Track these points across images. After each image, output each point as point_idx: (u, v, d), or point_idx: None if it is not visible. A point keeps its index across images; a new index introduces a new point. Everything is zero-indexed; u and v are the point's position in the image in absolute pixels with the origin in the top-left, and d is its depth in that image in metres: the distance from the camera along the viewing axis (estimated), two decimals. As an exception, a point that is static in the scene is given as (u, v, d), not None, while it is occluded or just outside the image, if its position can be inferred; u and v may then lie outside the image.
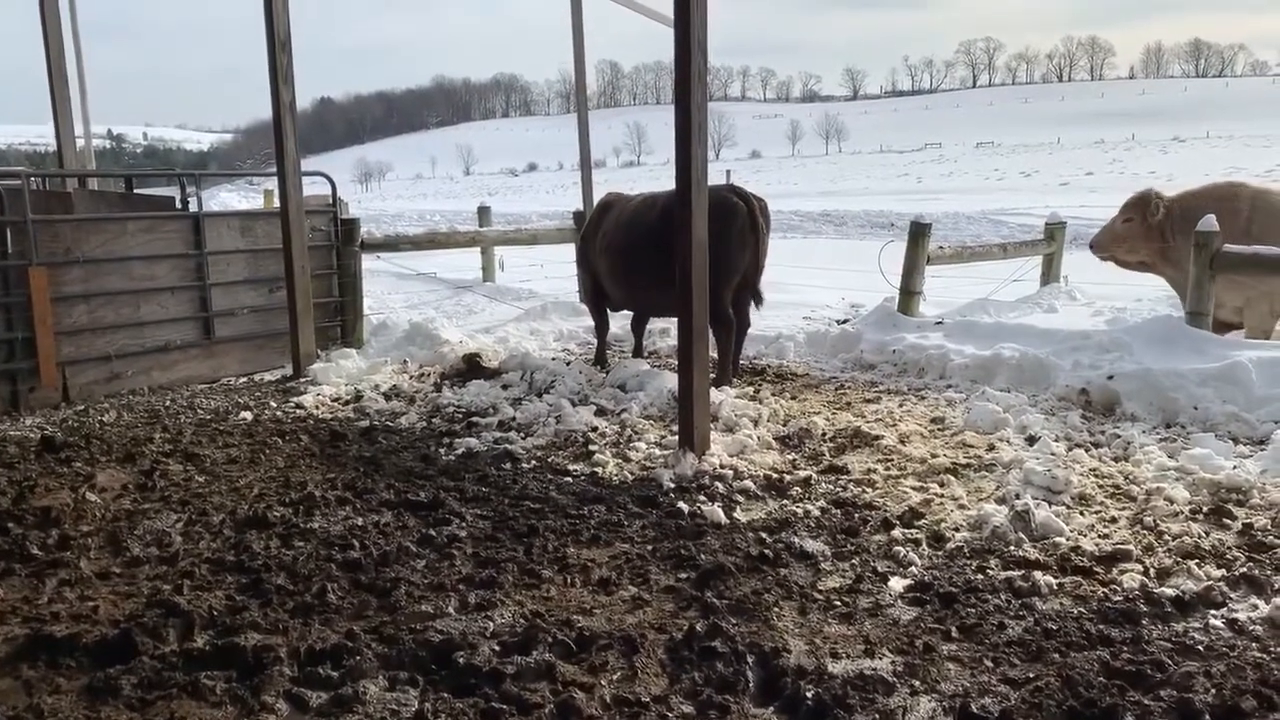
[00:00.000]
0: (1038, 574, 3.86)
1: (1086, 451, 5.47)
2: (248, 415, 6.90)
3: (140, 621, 3.52)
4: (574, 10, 11.50)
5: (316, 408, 7.16)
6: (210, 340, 8.36)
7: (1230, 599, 3.62)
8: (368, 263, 10.36)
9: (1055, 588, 3.76)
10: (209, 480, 5.38)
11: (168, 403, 7.40)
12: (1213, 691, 2.96)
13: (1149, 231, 7.87)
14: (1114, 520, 4.47)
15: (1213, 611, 3.54)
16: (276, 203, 8.65)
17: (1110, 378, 6.48)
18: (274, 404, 7.30)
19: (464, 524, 4.58)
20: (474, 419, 6.63)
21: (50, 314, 7.22)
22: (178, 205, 8.90)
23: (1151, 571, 3.89)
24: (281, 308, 8.50)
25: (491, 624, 3.50)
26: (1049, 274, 11.16)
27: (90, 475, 5.41)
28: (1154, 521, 4.38)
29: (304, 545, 4.34)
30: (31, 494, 5.09)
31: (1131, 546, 4.11)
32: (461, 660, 3.20)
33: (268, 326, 8.71)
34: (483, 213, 14.40)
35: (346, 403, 7.33)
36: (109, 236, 7.69)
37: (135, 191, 10.21)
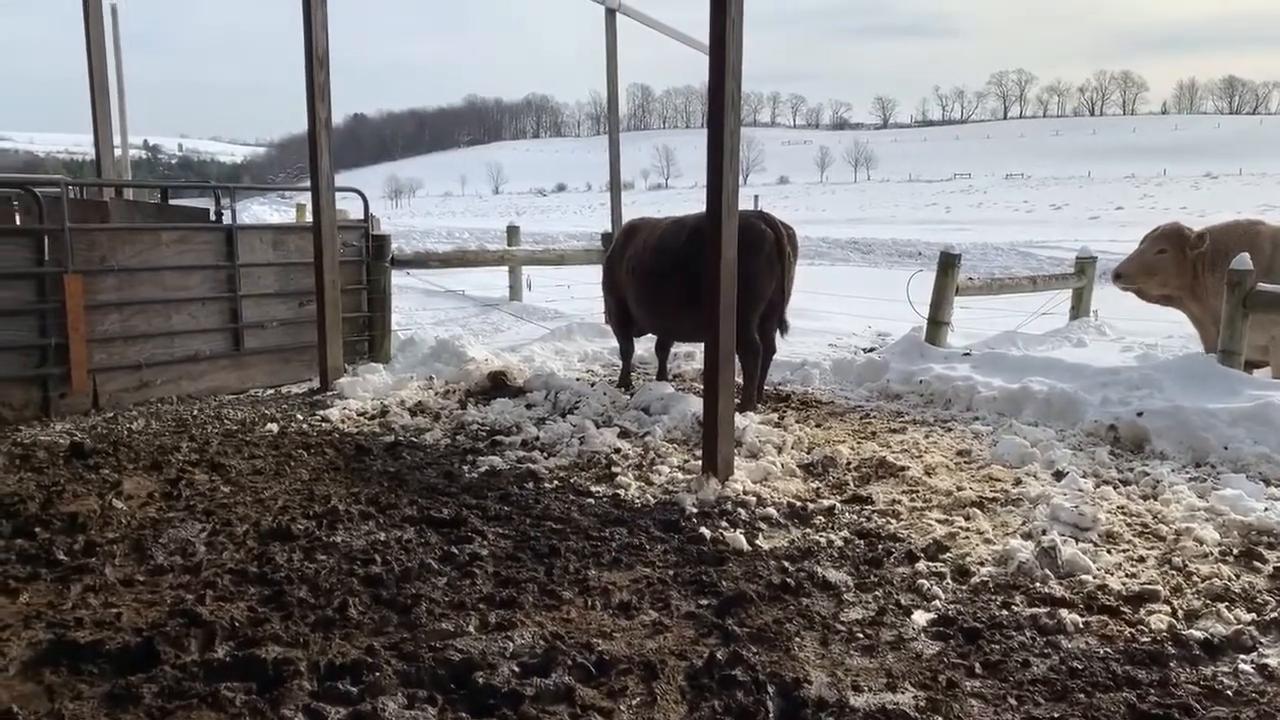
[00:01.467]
0: (1063, 612, 3.81)
1: (1115, 489, 5.41)
2: (274, 427, 6.94)
3: (163, 630, 3.54)
4: (608, 33, 11.59)
5: (342, 422, 7.20)
6: (239, 352, 8.42)
7: (1261, 644, 3.56)
8: (396, 279, 10.43)
9: (1081, 626, 3.71)
10: (234, 491, 5.41)
11: (195, 412, 7.46)
12: (1242, 738, 2.90)
13: (1182, 265, 7.80)
14: (1142, 559, 4.42)
15: (1242, 656, 3.47)
16: (309, 217, 8.73)
17: (1140, 415, 6.41)
18: (300, 417, 7.34)
19: (486, 542, 4.58)
20: (498, 437, 6.65)
21: (83, 321, 7.30)
22: (211, 217, 9.01)
23: (1180, 613, 3.84)
24: (310, 321, 8.57)
25: (511, 644, 3.48)
26: (1079, 308, 11.09)
27: (117, 482, 5.46)
28: (1183, 562, 4.32)
29: (326, 559, 4.35)
30: (59, 499, 5.15)
31: (1160, 587, 4.05)
32: (481, 680, 3.19)
33: (296, 339, 8.78)
34: (511, 232, 14.49)
35: (372, 417, 7.36)
36: (143, 246, 7.79)
37: (170, 202, 10.36)
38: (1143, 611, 3.85)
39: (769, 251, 7.18)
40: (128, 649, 3.41)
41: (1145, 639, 3.61)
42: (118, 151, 13.25)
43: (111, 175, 11.40)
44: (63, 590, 4.01)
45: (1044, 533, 4.60)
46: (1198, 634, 3.61)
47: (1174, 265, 7.82)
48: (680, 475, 5.73)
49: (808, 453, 6.24)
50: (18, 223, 7.70)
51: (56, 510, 4.95)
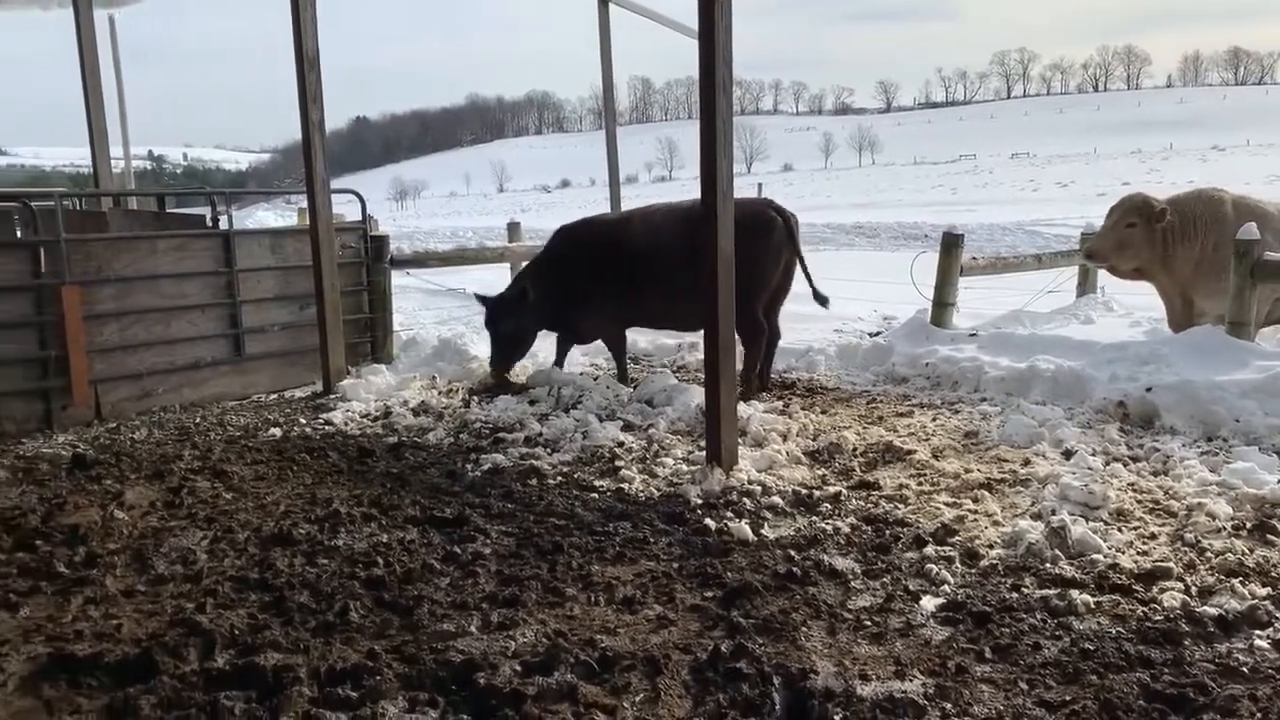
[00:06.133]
0: (1074, 592, 3.75)
1: (1125, 466, 5.34)
2: (277, 432, 6.91)
3: (162, 640, 3.51)
4: (601, 24, 11.52)
5: (345, 424, 7.16)
6: (241, 357, 8.39)
7: (1276, 619, 3.50)
8: (398, 279, 10.39)
9: (1093, 607, 3.66)
10: (236, 497, 5.38)
11: (198, 420, 7.44)
12: (1258, 716, 2.85)
13: (1151, 237, 7.67)
14: (1153, 537, 4.35)
15: (1258, 632, 3.41)
16: (308, 220, 8.70)
17: (1149, 390, 6.34)
18: (303, 420, 7.31)
19: (488, 541, 4.54)
20: (501, 435, 6.60)
21: (82, 332, 7.27)
22: (208, 223, 8.97)
23: (1193, 590, 3.77)
24: (312, 324, 8.53)
25: (513, 643, 3.44)
26: (1085, 285, 10.98)
27: (119, 493, 5.43)
28: (1195, 538, 4.26)
29: (328, 563, 4.32)
30: (61, 511, 5.12)
31: (1172, 564, 3.99)
32: (482, 681, 3.15)
33: (298, 343, 8.74)
34: (512, 228, 14.40)
35: (375, 419, 7.32)
36: (140, 255, 7.75)
37: (169, 210, 10.33)
38: (1155, 589, 3.79)
39: (779, 239, 7.29)
40: (126, 660, 3.38)
41: (1158, 618, 3.55)
42: (120, 163, 13.24)
43: (110, 186, 11.39)
44: (63, 603, 3.98)
45: (1053, 513, 4.54)
46: (1212, 611, 3.55)
47: (1143, 238, 7.69)
48: (685, 467, 5.67)
49: (813, 440, 6.18)
50: (18, 236, 7.64)
51: (58, 522, 4.92)
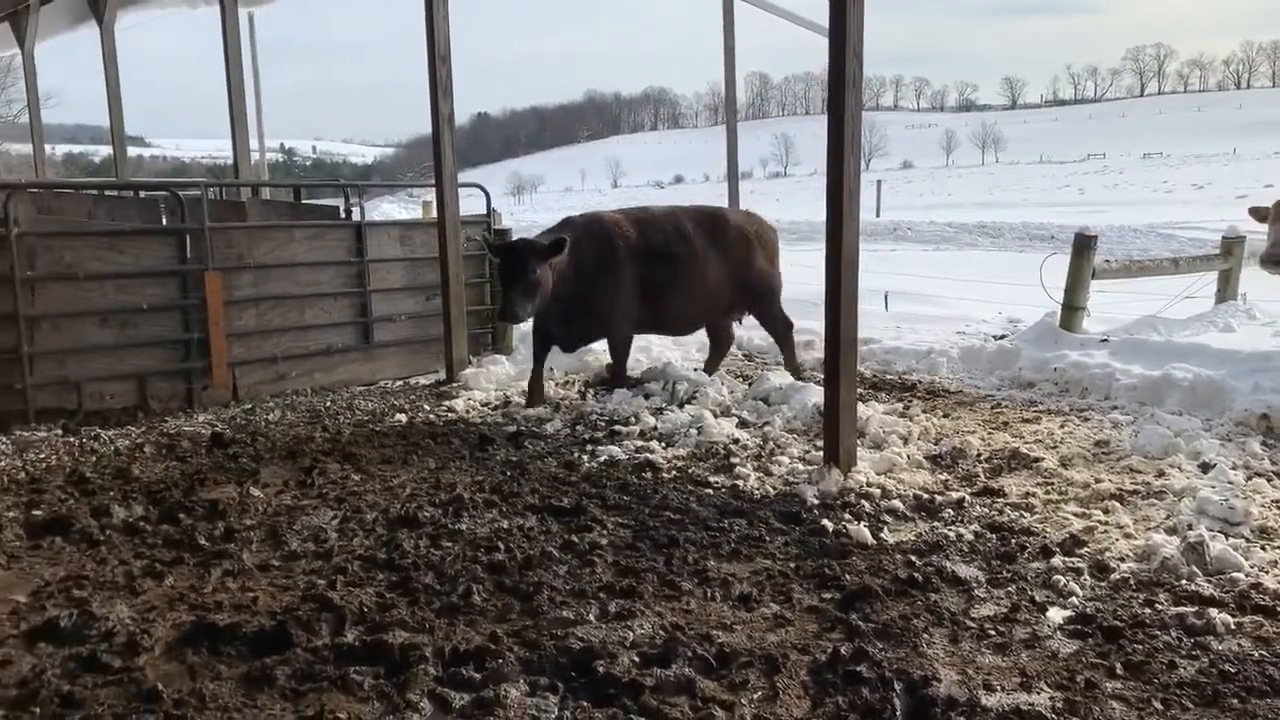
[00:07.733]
0: (1213, 611, 3.59)
1: (1268, 481, 5.08)
2: (402, 417, 7.12)
3: (295, 615, 3.66)
4: (726, 22, 11.50)
5: (467, 412, 7.33)
6: (369, 344, 8.66)
7: None
8: (518, 272, 10.54)
9: (1233, 627, 3.50)
10: (364, 479, 5.56)
11: (328, 403, 7.71)
12: None
13: None
14: (1300, 557, 4.13)
15: None
16: (434, 213, 8.92)
17: (1296, 403, 6.02)
18: (427, 407, 7.51)
19: (605, 531, 4.59)
20: (616, 427, 6.66)
21: (223, 316, 7.62)
22: (341, 215, 9.28)
23: (1345, 615, 3.57)
24: (436, 314, 8.76)
25: (631, 634, 3.48)
26: (1225, 291, 10.45)
27: (255, 471, 5.68)
28: (1347, 560, 4.03)
29: (451, 546, 4.43)
30: (201, 487, 5.38)
31: (1321, 587, 3.79)
32: (601, 669, 3.19)
33: (423, 332, 8.98)
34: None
35: (495, 408, 7.48)
36: (277, 244, 8.07)
37: (303, 201, 10.71)
38: (1302, 613, 3.60)
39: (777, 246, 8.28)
40: (263, 632, 3.54)
41: (1306, 642, 3.37)
42: (255, 155, 13.84)
43: (249, 177, 11.90)
44: (204, 574, 4.18)
45: (1190, 527, 4.36)
46: (1365, 638, 3.36)
47: None
48: (801, 466, 5.63)
49: (935, 444, 6.06)
50: (164, 223, 8.05)
51: (199, 497, 5.18)
